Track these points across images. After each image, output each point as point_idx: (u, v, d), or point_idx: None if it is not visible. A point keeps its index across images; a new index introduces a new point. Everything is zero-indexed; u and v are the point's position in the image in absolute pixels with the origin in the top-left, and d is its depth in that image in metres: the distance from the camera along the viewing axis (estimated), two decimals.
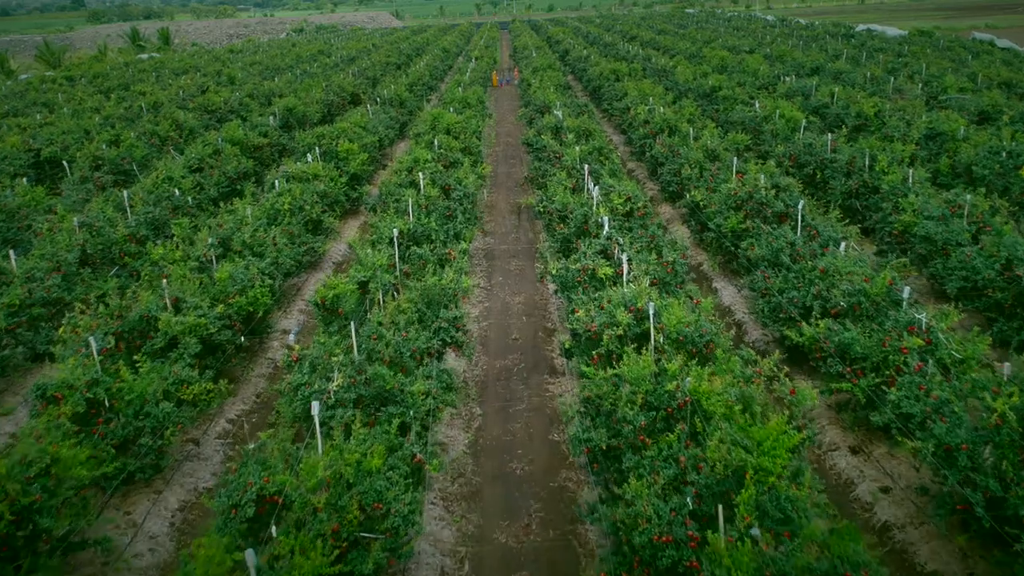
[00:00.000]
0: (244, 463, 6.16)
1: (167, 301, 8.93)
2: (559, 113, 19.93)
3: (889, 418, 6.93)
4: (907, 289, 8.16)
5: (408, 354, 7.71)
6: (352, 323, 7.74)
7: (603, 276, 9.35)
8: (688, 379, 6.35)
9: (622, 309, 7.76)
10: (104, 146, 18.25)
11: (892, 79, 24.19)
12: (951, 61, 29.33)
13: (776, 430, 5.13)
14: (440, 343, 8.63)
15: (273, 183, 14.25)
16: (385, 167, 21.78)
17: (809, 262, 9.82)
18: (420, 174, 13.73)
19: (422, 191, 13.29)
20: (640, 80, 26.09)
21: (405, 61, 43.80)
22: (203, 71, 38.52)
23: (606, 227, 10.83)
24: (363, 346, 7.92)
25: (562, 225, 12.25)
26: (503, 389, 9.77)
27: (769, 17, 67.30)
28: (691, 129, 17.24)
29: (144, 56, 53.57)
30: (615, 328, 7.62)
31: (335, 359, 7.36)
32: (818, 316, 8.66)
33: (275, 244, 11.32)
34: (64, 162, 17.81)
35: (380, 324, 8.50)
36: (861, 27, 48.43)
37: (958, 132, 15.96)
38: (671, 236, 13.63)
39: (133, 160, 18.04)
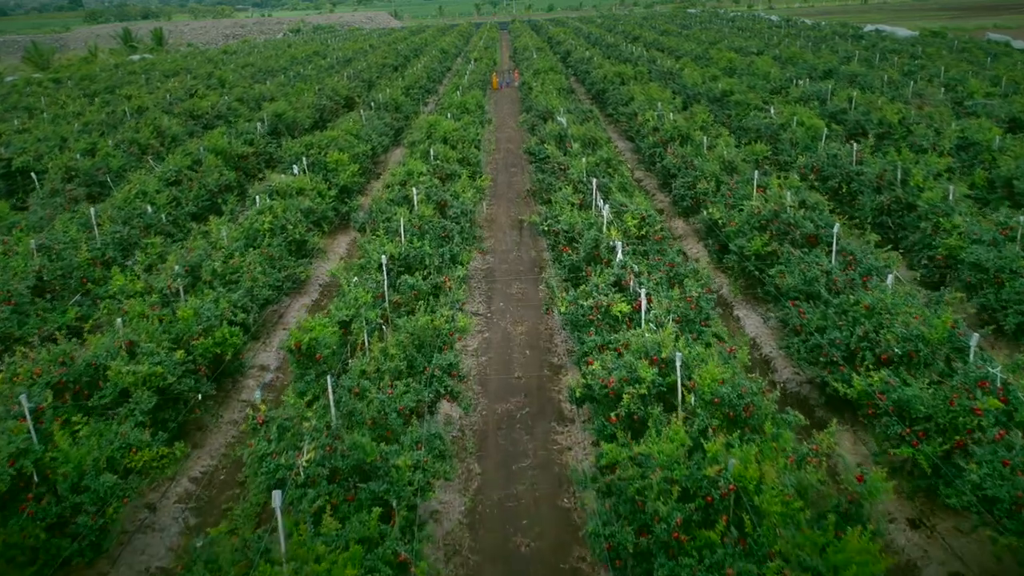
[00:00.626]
0: (190, 567, 5.02)
1: (121, 344, 7.79)
2: (563, 120, 18.80)
3: (969, 500, 5.79)
4: (975, 336, 7.02)
5: (394, 414, 6.57)
6: (329, 378, 6.59)
7: (618, 313, 8.22)
8: (732, 460, 5.22)
9: (644, 362, 6.62)
10: (78, 156, 17.11)
11: (911, 83, 23.05)
12: (969, 63, 28.19)
13: (857, 554, 4.00)
14: (433, 395, 7.50)
15: (255, 199, 13.11)
16: (379, 176, 20.65)
17: (850, 296, 8.69)
18: (414, 189, 12.59)
19: (415, 208, 12.16)
20: (646, 83, 24.95)
21: (402, 63, 42.65)
22: (194, 73, 37.39)
23: (619, 253, 9.70)
24: (342, 401, 6.80)
25: (568, 248, 11.12)
26: (505, 440, 8.64)
27: (773, 17, 66.15)
28: (704, 138, 16.10)
29: (135, 57, 52.41)
30: (637, 385, 6.48)
31: (307, 424, 6.23)
32: (868, 364, 7.51)
33: (251, 271, 10.16)
34: (34, 173, 16.67)
35: (363, 373, 7.37)
36: (869, 27, 47.30)
37: (993, 142, 14.83)
38: (689, 257, 12.52)
39: (110, 171, 16.91)
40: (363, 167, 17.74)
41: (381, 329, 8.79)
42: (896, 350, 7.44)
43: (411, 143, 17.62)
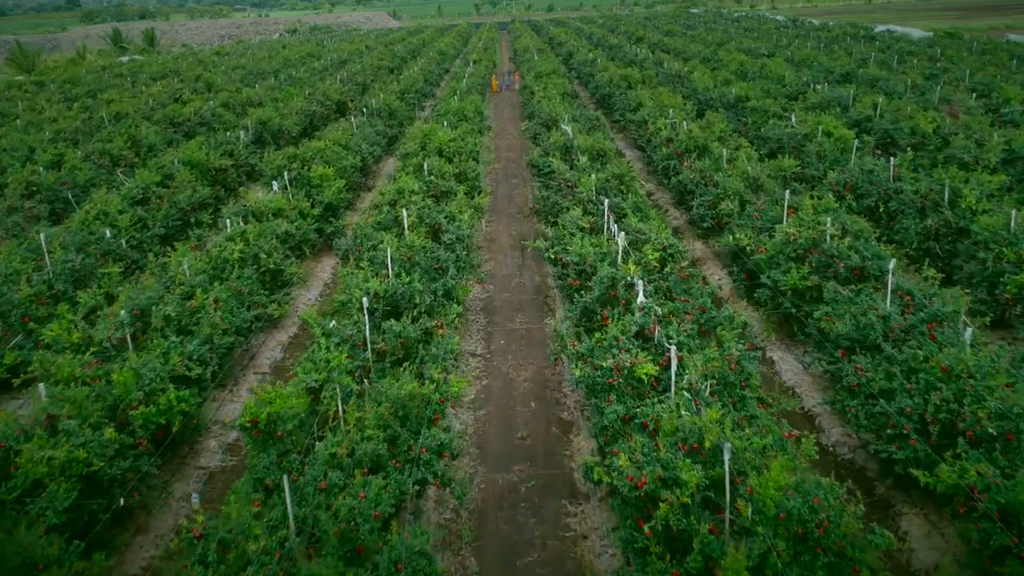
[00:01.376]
0: None
1: (38, 420, 6.39)
2: (568, 128, 17.41)
3: None
4: None
5: (367, 525, 5.18)
6: (287, 479, 5.20)
7: (643, 376, 6.83)
8: None
9: (686, 461, 5.23)
10: (42, 169, 15.72)
11: (936, 87, 21.67)
12: (994, 66, 26.79)
13: None
14: (419, 485, 6.11)
15: (228, 222, 11.71)
16: (370, 189, 19.26)
17: (917, 351, 7.30)
18: (404, 211, 11.20)
19: (405, 235, 10.77)
20: (655, 88, 23.55)
21: (399, 64, 41.25)
22: (182, 76, 36.00)
23: (640, 294, 8.31)
24: (306, 499, 5.43)
25: (579, 280, 9.74)
26: (507, 524, 7.24)
27: (779, 17, 64.79)
28: (724, 150, 14.70)
29: (124, 59, 51.00)
30: (678, 491, 5.09)
31: (253, 546, 4.83)
32: (960, 450, 6.11)
33: (214, 315, 8.76)
34: None
35: (333, 458, 5.99)
36: (880, 28, 45.93)
37: None
38: (710, 283, 11.13)
39: (76, 185, 15.52)
40: (351, 181, 16.34)
41: (362, 382, 7.42)
42: (990, 430, 6.05)
43: (404, 155, 16.22)
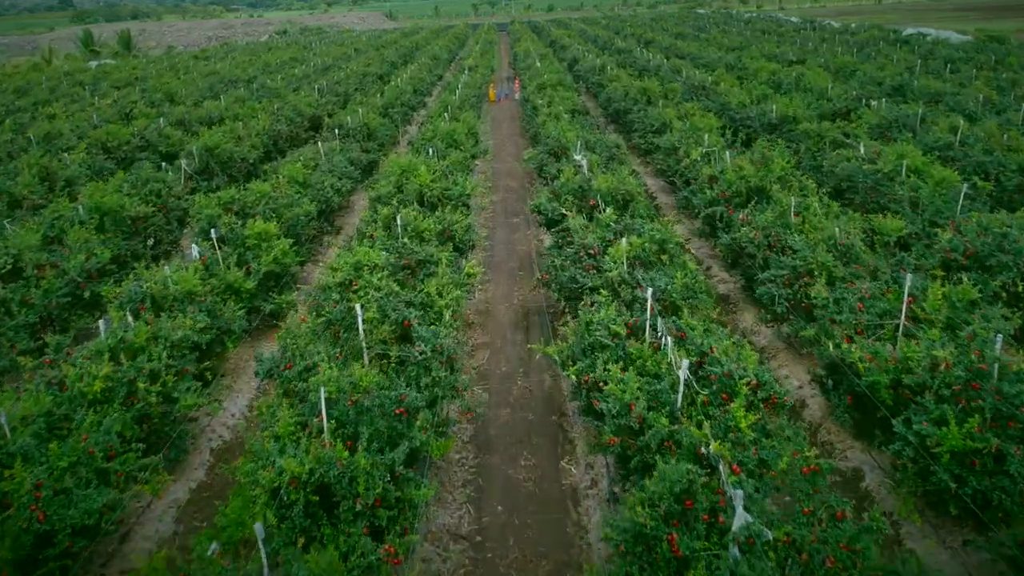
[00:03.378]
0: None
1: None
2: (582, 161, 13.90)
3: None
4: None
5: None
6: None
7: None
8: None
9: None
10: None
11: (1020, 104, 18.16)
12: None
13: None
14: None
15: (101, 324, 8.17)
16: (339, 231, 15.73)
17: None
18: (359, 307, 7.68)
19: (361, 336, 7.25)
20: (680, 104, 20.01)
21: (388, 70, 37.72)
22: (145, 84, 32.44)
23: (739, 515, 4.80)
24: None
25: (618, 439, 6.25)
26: None
27: (793, 18, 61.26)
28: (792, 200, 11.17)
29: (93, 63, 47.42)
30: None
31: None
32: None
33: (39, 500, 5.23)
34: None
35: None
36: (910, 30, 42.43)
37: None
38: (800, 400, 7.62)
39: None
40: (307, 233, 12.80)
41: None
42: None
43: (375, 198, 12.69)
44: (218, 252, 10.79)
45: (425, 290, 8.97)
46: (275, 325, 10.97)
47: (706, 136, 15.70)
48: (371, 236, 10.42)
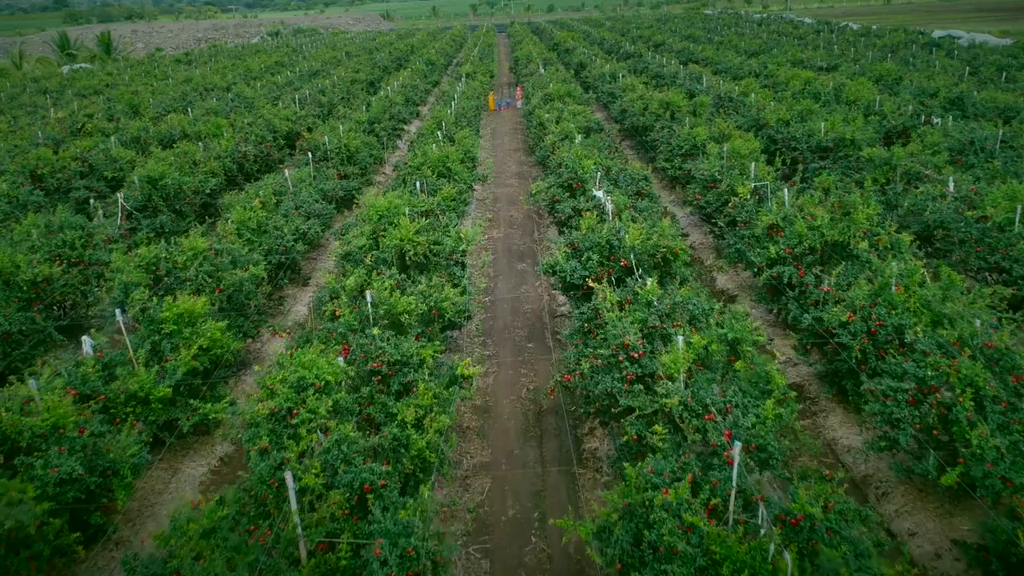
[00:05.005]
0: None
1: None
2: (605, 200, 11.16)
3: None
4: None
5: None
6: None
7: None
8: None
9: None
10: None
11: None
12: None
13: None
14: None
15: None
16: (307, 283, 12.96)
17: None
18: (289, 480, 4.89)
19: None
20: (712, 121, 17.21)
21: (380, 76, 34.96)
22: (110, 94, 29.61)
23: None
24: None
25: None
26: None
27: (807, 19, 58.47)
28: (892, 264, 8.37)
29: (66, 68, 44.60)
30: None
31: None
32: None
33: None
34: None
35: None
36: (938, 33, 39.65)
37: None
38: None
39: None
40: (254, 303, 9.98)
41: None
42: None
43: (343, 257, 9.91)
44: (127, 339, 8.01)
45: (399, 418, 6.20)
46: (204, 434, 8.19)
47: (752, 165, 12.92)
48: (331, 324, 7.62)
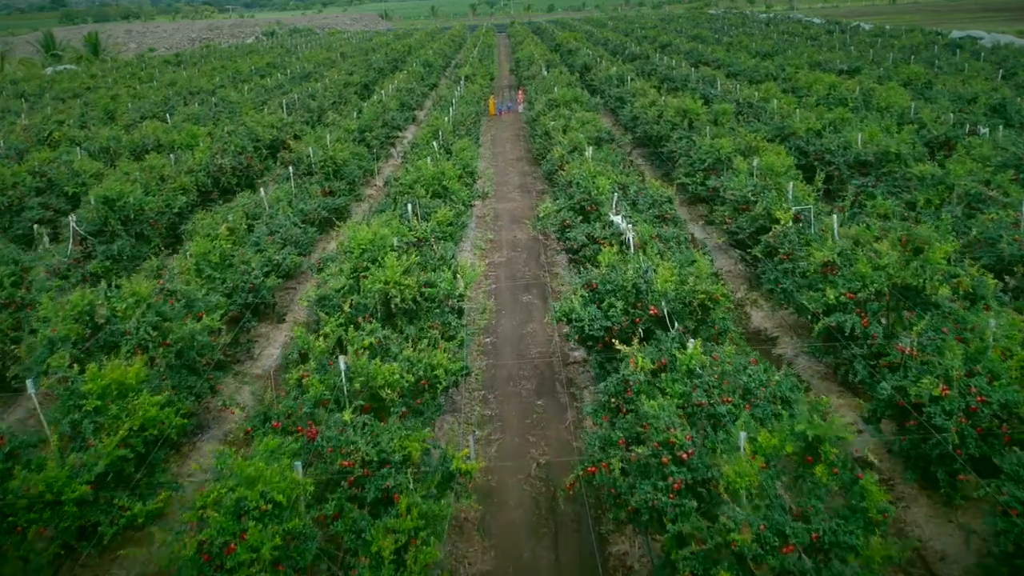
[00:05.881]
0: None
1: None
2: (627, 231, 9.58)
3: None
4: None
5: None
6: None
7: None
8: None
9: None
10: None
11: None
12: None
13: None
14: None
15: None
16: (283, 319, 11.36)
17: None
18: None
19: None
20: (736, 131, 15.61)
21: (375, 78, 33.37)
22: (88, 97, 28.01)
23: None
24: None
25: None
26: None
27: (816, 19, 56.90)
28: (989, 320, 6.78)
29: (50, 70, 42.98)
30: None
31: None
32: None
33: None
34: None
35: None
36: (958, 33, 38.06)
37: None
38: None
39: None
40: (209, 358, 8.35)
41: None
42: None
43: (317, 303, 8.31)
44: (41, 417, 6.43)
45: (374, 549, 4.61)
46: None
47: (790, 185, 11.33)
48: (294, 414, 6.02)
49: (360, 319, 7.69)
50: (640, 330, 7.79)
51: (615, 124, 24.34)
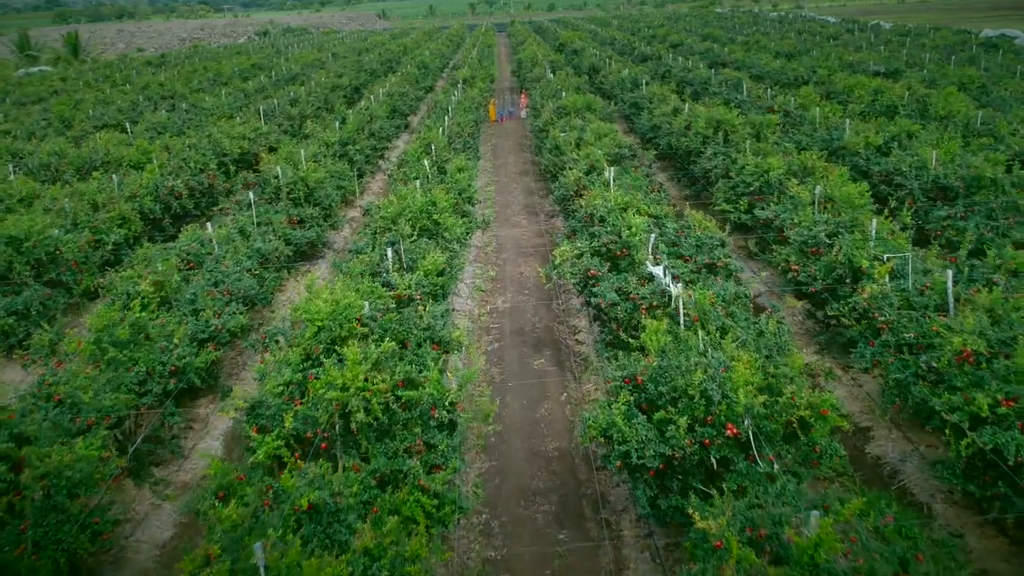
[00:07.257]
0: None
1: None
2: (672, 288, 7.19)
3: None
4: None
5: None
6: None
7: None
8: None
9: None
10: None
11: None
12: None
13: None
14: None
15: None
16: (227, 394, 8.89)
17: None
18: None
19: None
20: (786, 147, 13.16)
21: (366, 81, 30.92)
22: (51, 102, 25.55)
23: None
24: None
25: None
26: None
27: (830, 18, 54.46)
28: None
29: (22, 72, 40.53)
30: None
31: None
32: None
33: None
34: None
35: None
36: (989, 32, 35.61)
37: None
38: None
39: None
40: (105, 483, 5.93)
41: None
42: None
43: (250, 411, 5.89)
44: None
45: None
46: None
47: (873, 222, 8.92)
48: None
49: (307, 437, 5.28)
50: (713, 458, 5.39)
51: (628, 132, 21.95)
